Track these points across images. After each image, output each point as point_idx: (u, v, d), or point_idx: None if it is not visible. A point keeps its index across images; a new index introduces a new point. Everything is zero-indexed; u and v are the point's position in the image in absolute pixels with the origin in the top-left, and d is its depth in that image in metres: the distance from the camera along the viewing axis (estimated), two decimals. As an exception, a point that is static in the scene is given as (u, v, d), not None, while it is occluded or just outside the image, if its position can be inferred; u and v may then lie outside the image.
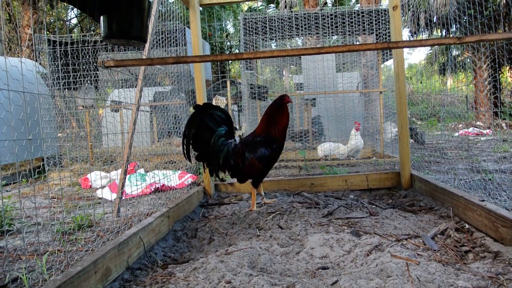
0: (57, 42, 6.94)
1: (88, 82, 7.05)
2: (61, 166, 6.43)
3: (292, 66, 14.60)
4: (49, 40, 6.97)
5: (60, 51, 6.93)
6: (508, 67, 18.92)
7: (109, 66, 2.11)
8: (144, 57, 3.18)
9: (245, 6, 24.95)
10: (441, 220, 2.71)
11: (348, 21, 6.59)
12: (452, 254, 2.13)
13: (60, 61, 6.73)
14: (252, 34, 6.64)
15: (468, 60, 18.38)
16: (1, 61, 2.56)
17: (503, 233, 2.11)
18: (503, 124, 14.17)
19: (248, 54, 1.93)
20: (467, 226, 2.50)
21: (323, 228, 2.58)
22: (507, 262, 1.91)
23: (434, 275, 1.75)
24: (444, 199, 2.94)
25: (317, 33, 6.95)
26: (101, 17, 2.16)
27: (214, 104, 3.24)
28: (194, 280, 1.86)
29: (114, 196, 4.40)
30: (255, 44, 7.11)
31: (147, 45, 3.11)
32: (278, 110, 3.24)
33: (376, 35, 6.85)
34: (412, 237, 2.37)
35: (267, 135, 3.20)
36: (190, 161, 3.22)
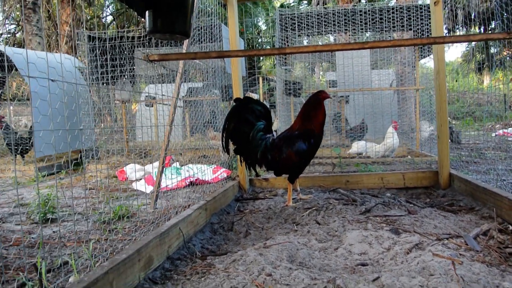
0: (96, 38, 7.13)
1: (125, 77, 7.21)
2: (98, 159, 6.61)
3: (324, 63, 14.49)
4: (88, 36, 7.17)
5: (98, 46, 7.12)
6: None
7: (154, 60, 2.16)
8: (184, 51, 3.23)
9: (277, 3, 24.88)
10: (482, 220, 2.65)
11: (385, 17, 6.48)
12: (496, 255, 2.08)
13: (98, 56, 6.91)
14: (287, 30, 6.63)
15: (508, 58, 17.76)
16: (43, 54, 2.65)
17: (551, 235, 2.04)
18: (544, 125, 13.62)
19: (291, 49, 1.93)
20: (511, 227, 2.43)
21: (361, 225, 2.56)
22: (555, 265, 1.85)
23: (479, 275, 1.72)
24: (485, 199, 2.87)
25: (354, 29, 6.87)
26: (146, 12, 2.21)
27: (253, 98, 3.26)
28: (234, 271, 1.88)
29: (150, 188, 4.50)
30: (288, 40, 7.10)
31: (187, 40, 3.16)
32: (315, 106, 3.23)
33: (414, 31, 6.71)
34: (453, 236, 2.33)
35: (304, 130, 3.20)
36: (228, 153, 3.26)
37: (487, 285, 1.64)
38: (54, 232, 3.05)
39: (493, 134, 11.83)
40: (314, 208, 3.02)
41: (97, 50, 6.96)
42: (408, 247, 2.13)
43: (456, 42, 2.06)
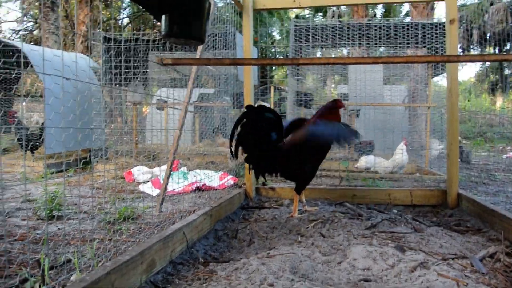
0: (112, 39, 7.21)
1: (138, 79, 7.28)
2: (107, 159, 6.65)
3: (336, 76, 14.49)
4: (104, 37, 7.25)
5: (113, 48, 7.20)
6: None
7: (167, 63, 2.17)
8: (198, 57, 3.25)
9: (292, 14, 25.00)
10: (490, 242, 2.61)
11: (400, 33, 6.48)
12: (502, 278, 2.05)
13: (113, 57, 6.99)
14: (301, 41, 6.66)
15: (522, 80, 17.64)
16: (58, 53, 2.68)
17: (559, 261, 2.01)
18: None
19: (305, 60, 1.94)
20: (518, 251, 2.39)
21: (366, 240, 2.54)
22: (562, 292, 1.82)
23: (484, 298, 1.69)
24: (493, 221, 2.83)
25: (368, 44, 6.88)
26: (163, 16, 2.23)
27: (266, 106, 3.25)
28: (236, 279, 1.88)
29: (156, 191, 4.51)
30: (301, 51, 7.11)
31: (201, 46, 3.18)
32: (331, 111, 3.21)
33: (428, 48, 6.70)
34: (459, 257, 2.30)
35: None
36: (236, 157, 3.25)
37: (491, 308, 1.61)
38: (59, 229, 3.07)
39: (504, 156, 11.72)
40: (319, 221, 3.01)
41: (112, 51, 7.04)
42: (413, 265, 2.10)
43: (471, 61, 2.05)
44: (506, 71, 20.16)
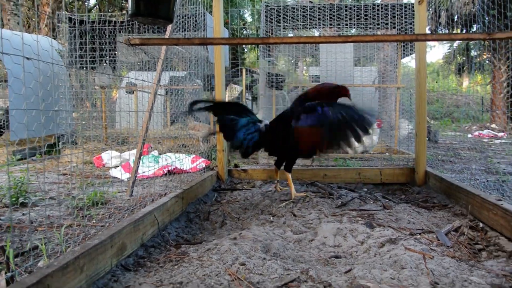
0: (77, 21, 6.96)
1: (106, 62, 7.08)
2: (75, 143, 6.49)
3: (308, 59, 14.52)
4: (69, 18, 7.00)
5: (79, 29, 6.96)
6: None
7: (135, 44, 2.12)
8: (167, 37, 3.18)
9: (264, -5, 24.70)
10: (455, 217, 2.70)
11: (370, 14, 6.52)
12: (466, 251, 2.13)
13: (77, 39, 6.75)
14: (272, 22, 6.61)
15: (487, 61, 18.12)
16: (18, 33, 2.58)
17: (520, 233, 2.10)
18: (518, 128, 13.97)
19: (275, 39, 1.92)
20: (481, 224, 2.48)
21: (336, 218, 2.58)
22: (522, 262, 1.90)
23: (448, 270, 1.75)
24: (459, 197, 2.92)
25: (338, 25, 6.89)
26: (129, -6, 2.16)
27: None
28: (208, 260, 1.88)
29: (127, 175, 4.44)
30: (273, 32, 7.06)
31: (170, 26, 3.11)
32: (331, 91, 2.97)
33: (398, 29, 6.77)
34: (425, 232, 2.37)
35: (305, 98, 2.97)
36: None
37: (455, 279, 1.67)
38: (25, 215, 2.99)
39: (469, 135, 12.09)
40: (291, 200, 3.03)
41: (76, 32, 6.80)
42: (381, 241, 2.16)
43: (438, 40, 2.08)
44: (473, 53, 20.64)
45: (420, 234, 2.32)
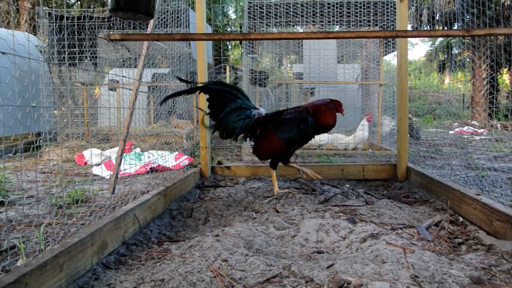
0: (54, 16, 6.83)
1: (87, 58, 6.97)
2: (56, 142, 6.39)
3: (292, 56, 14.55)
4: (49, 14, 6.87)
5: (60, 25, 6.84)
6: (506, 69, 18.98)
7: (115, 39, 2.09)
8: (147, 33, 3.14)
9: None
10: (435, 212, 2.74)
11: (352, 11, 6.56)
12: (446, 245, 2.16)
13: (55, 33, 6.63)
14: (255, 19, 6.60)
15: (468, 59, 18.42)
16: None
17: (497, 227, 2.13)
18: (498, 125, 14.25)
19: (256, 35, 1.91)
20: (461, 219, 2.52)
21: (319, 214, 2.59)
22: (500, 255, 1.93)
23: (428, 264, 1.77)
24: (439, 192, 2.96)
25: (321, 22, 6.92)
26: (109, -11, 2.14)
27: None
28: (190, 257, 1.87)
29: (109, 173, 4.39)
30: (256, 29, 7.05)
31: (151, 22, 3.08)
32: (327, 107, 3.04)
33: (380, 26, 6.83)
34: (407, 227, 2.39)
35: (302, 111, 3.05)
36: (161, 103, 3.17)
37: (435, 272, 1.69)
38: (1, 213, 2.93)
39: (451, 132, 12.28)
40: (274, 197, 3.04)
41: (53, 26, 6.66)
42: (363, 236, 2.17)
43: (418, 36, 2.10)
44: (454, 50, 20.96)
45: (401, 229, 2.34)
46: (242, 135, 3.17)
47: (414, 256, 1.84)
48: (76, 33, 6.88)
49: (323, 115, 3.01)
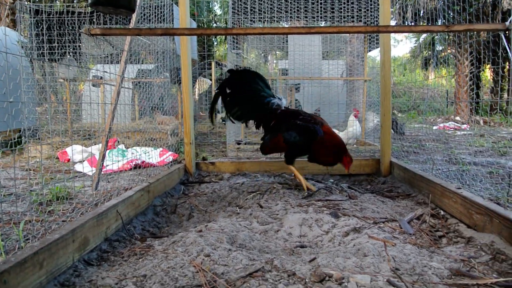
0: (40, 11, 6.72)
1: (70, 54, 6.87)
2: (38, 139, 6.29)
3: (278, 52, 14.56)
4: (31, 9, 6.75)
5: (43, 20, 6.72)
6: (488, 65, 19.28)
7: (95, 34, 2.06)
8: (129, 28, 3.11)
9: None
10: (417, 206, 2.77)
11: (336, 7, 6.58)
12: (427, 238, 2.19)
13: (32, 28, 6.51)
14: (240, 14, 6.58)
15: (452, 56, 18.65)
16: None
17: (477, 219, 2.17)
18: (481, 121, 14.48)
19: (238, 30, 1.90)
20: (442, 212, 2.56)
21: (302, 209, 2.60)
22: (479, 247, 1.96)
23: (409, 256, 1.80)
24: (421, 186, 3.00)
25: (305, 17, 6.93)
26: (89, -17, 2.11)
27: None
28: (173, 252, 1.86)
29: (93, 170, 4.35)
30: (241, 25, 7.02)
31: (134, 17, 3.05)
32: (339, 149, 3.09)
33: (364, 22, 6.86)
34: (389, 220, 2.42)
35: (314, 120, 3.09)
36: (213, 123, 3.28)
37: (416, 264, 1.72)
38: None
39: (434, 127, 12.43)
40: (258, 192, 3.04)
41: (31, 21, 6.54)
42: (346, 230, 2.19)
43: (400, 32, 2.12)
44: (438, 47, 21.19)
45: (383, 222, 2.37)
46: (253, 121, 3.28)
47: (396, 249, 1.87)
48: (58, 28, 6.77)
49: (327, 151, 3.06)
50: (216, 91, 3.24)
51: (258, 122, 3.30)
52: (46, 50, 6.55)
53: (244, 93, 3.19)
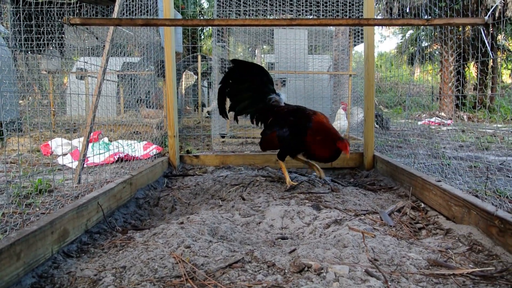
0: (21, 1, 6.59)
1: (53, 46, 6.76)
2: (20, 131, 6.20)
3: (265, 46, 14.53)
4: (12, -2, 6.62)
5: (24, 11, 6.60)
6: (472, 63, 19.50)
7: (75, 23, 2.03)
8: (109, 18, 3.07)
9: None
10: (399, 198, 2.80)
11: (322, 1, 6.58)
12: (407, 230, 2.22)
13: (24, 21, 6.40)
14: (226, 7, 6.55)
15: (437, 52, 18.83)
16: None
17: (455, 211, 2.21)
18: (465, 116, 14.66)
19: (220, 21, 1.89)
20: (423, 205, 2.60)
21: (285, 201, 2.61)
22: (456, 238, 2.00)
23: (388, 247, 1.82)
24: (403, 179, 3.03)
25: (290, 11, 6.92)
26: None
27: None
28: (154, 244, 1.86)
29: (76, 163, 4.30)
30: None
31: (116, 7, 3.01)
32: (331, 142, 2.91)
33: (349, 17, 6.87)
34: (370, 213, 2.44)
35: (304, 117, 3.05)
36: (227, 117, 3.36)
37: (394, 255, 1.74)
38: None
39: (419, 123, 12.55)
40: (241, 185, 3.04)
41: (8, 10, 6.41)
42: (327, 222, 2.21)
43: (380, 25, 2.13)
44: (424, 43, 21.37)
45: (364, 215, 2.39)
46: (251, 116, 3.33)
47: (375, 241, 1.89)
48: (38, 19, 6.64)
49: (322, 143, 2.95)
50: (219, 85, 3.26)
51: (257, 118, 3.31)
52: (23, 40, 6.42)
53: (246, 86, 3.24)
